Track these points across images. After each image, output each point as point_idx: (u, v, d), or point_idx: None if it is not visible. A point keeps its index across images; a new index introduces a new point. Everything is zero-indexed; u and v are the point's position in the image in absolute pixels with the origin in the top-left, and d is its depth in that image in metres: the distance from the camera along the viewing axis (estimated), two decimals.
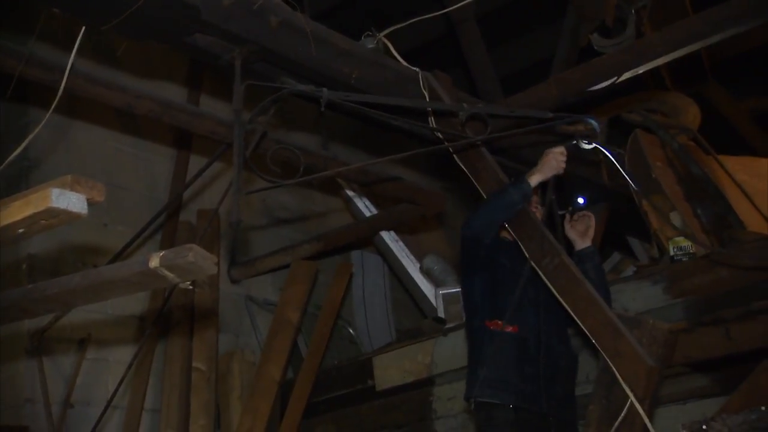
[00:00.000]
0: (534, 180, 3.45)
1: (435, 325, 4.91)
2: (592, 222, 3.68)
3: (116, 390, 4.53)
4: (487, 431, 3.39)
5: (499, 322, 3.43)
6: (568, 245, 3.70)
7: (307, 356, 5.31)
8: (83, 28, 2.86)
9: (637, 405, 3.04)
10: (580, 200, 3.78)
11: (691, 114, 5.43)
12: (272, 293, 5.95)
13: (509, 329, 3.42)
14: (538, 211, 3.63)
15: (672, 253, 4.21)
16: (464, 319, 3.79)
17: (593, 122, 3.49)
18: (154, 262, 2.09)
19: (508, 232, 3.64)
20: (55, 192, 1.98)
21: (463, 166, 3.78)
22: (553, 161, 3.44)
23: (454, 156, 3.81)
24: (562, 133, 3.88)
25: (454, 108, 3.58)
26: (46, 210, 1.98)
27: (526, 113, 3.68)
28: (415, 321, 5.95)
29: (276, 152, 3.35)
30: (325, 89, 3.21)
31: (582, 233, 3.64)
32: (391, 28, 3.94)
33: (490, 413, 3.37)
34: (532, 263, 3.45)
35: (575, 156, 4.80)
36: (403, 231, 5.92)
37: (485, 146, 3.81)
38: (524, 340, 3.42)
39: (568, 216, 3.70)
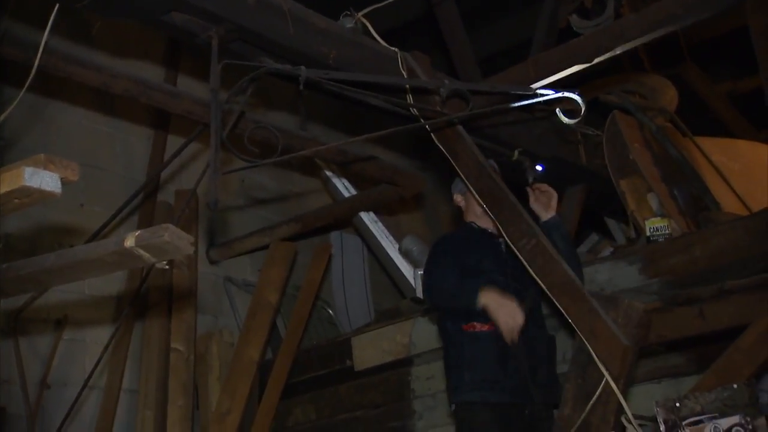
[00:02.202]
0: (485, 307, 3.36)
1: (413, 305, 4.92)
2: (554, 194, 3.69)
3: (93, 370, 4.52)
4: (467, 429, 3.41)
5: (475, 324, 3.42)
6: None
7: (285, 337, 5.31)
8: (56, 5, 2.81)
9: (612, 384, 3.08)
10: (539, 168, 3.80)
11: (669, 96, 5.47)
12: (251, 274, 5.95)
13: (485, 328, 3.41)
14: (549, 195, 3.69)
15: (648, 233, 4.24)
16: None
17: (577, 98, 3.45)
18: (130, 241, 2.08)
19: (479, 218, 3.68)
20: (28, 171, 1.96)
21: (442, 148, 3.78)
22: (510, 321, 3.33)
23: (433, 137, 3.81)
24: (545, 109, 3.87)
25: (434, 84, 3.55)
26: (20, 189, 1.96)
27: (508, 89, 3.63)
28: (393, 301, 5.97)
29: (254, 131, 3.33)
30: (303, 67, 3.18)
31: (545, 205, 3.66)
32: (370, 8, 3.91)
33: (470, 411, 3.39)
34: (510, 244, 3.47)
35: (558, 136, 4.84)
36: (382, 212, 5.93)
37: (464, 126, 3.82)
38: (502, 337, 3.38)
39: (530, 189, 3.71)
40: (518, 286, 3.52)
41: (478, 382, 3.38)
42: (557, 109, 3.52)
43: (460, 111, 3.87)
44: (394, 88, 3.72)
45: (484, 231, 3.68)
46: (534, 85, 3.68)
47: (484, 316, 3.38)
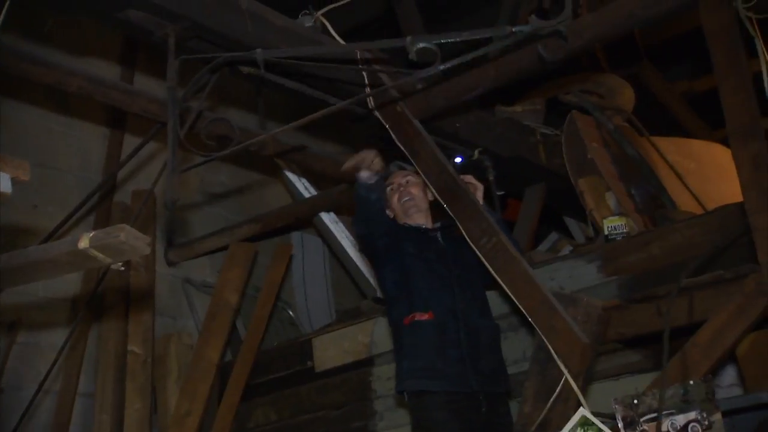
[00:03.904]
0: (360, 175, 3.49)
1: (374, 305, 4.91)
2: (480, 186, 3.70)
3: (48, 374, 4.45)
4: (420, 418, 3.41)
5: (415, 314, 3.44)
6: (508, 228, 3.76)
7: (245, 338, 5.28)
8: (7, 1, 2.75)
9: (572, 381, 3.10)
10: (458, 159, 3.83)
11: (626, 96, 5.52)
12: (210, 275, 5.89)
13: (425, 317, 3.42)
14: (473, 188, 3.66)
15: (607, 232, 4.27)
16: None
17: (559, 28, 3.30)
18: (84, 242, 2.04)
19: (410, 217, 3.70)
20: None
21: (401, 147, 3.78)
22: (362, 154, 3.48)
23: (393, 137, 3.80)
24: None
25: (401, 43, 3.17)
26: None
27: (482, 33, 3.23)
28: (355, 302, 5.95)
29: (211, 126, 3.30)
30: (259, 49, 3.15)
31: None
32: (329, 7, 3.90)
33: (421, 400, 3.38)
34: (470, 242, 3.48)
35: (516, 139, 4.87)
36: (342, 212, 5.90)
37: (424, 125, 3.81)
38: (442, 324, 3.41)
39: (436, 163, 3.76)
40: (460, 273, 3.55)
41: (417, 371, 3.38)
42: (539, 47, 3.44)
43: (421, 110, 3.88)
44: (355, 82, 3.70)
45: (417, 228, 3.69)
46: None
47: (424, 305, 3.42)
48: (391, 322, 3.67)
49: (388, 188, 3.78)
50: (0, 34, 2.86)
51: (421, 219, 3.72)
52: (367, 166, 3.44)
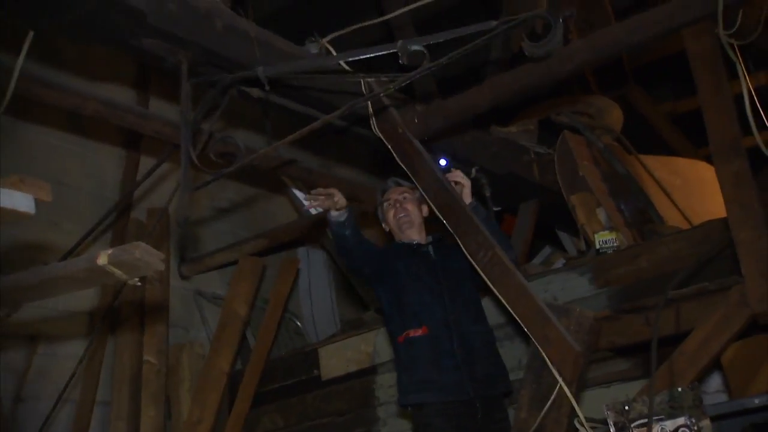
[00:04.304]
0: (330, 214, 3.43)
1: (376, 316, 4.92)
2: (467, 183, 3.68)
3: (67, 384, 4.44)
4: (419, 425, 3.39)
5: (409, 331, 3.43)
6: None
7: (254, 348, 5.27)
8: (30, 32, 2.78)
9: (565, 388, 3.10)
10: (443, 162, 3.81)
11: (615, 116, 5.55)
12: (221, 288, 5.89)
13: (418, 333, 3.41)
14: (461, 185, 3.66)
15: (598, 245, 4.28)
16: None
17: (545, 15, 3.27)
18: (102, 259, 2.05)
19: (404, 233, 3.68)
20: (1, 192, 1.93)
21: (402, 164, 3.80)
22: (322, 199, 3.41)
23: (395, 156, 3.82)
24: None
25: (392, 49, 3.13)
26: None
27: (468, 30, 3.23)
28: (358, 313, 5.95)
29: (218, 144, 3.31)
30: (261, 67, 3.16)
31: (460, 194, 3.67)
32: (334, 34, 3.92)
33: (421, 411, 3.37)
34: (468, 255, 3.49)
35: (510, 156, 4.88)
36: None
37: (423, 144, 3.83)
38: (435, 337, 3.39)
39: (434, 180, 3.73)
40: (449, 283, 3.53)
41: (415, 384, 3.37)
42: (524, 38, 3.43)
43: (419, 131, 3.91)
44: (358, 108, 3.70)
45: (409, 244, 3.67)
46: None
47: (417, 321, 3.42)
48: (388, 334, 3.69)
49: (385, 203, 3.77)
50: (21, 62, 2.88)
51: (415, 234, 3.70)
52: (332, 207, 3.39)
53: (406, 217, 3.71)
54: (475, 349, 3.43)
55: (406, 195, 3.76)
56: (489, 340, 3.55)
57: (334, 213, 3.39)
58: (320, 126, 3.16)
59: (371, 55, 3.24)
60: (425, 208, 3.79)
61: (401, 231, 3.71)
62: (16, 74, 2.84)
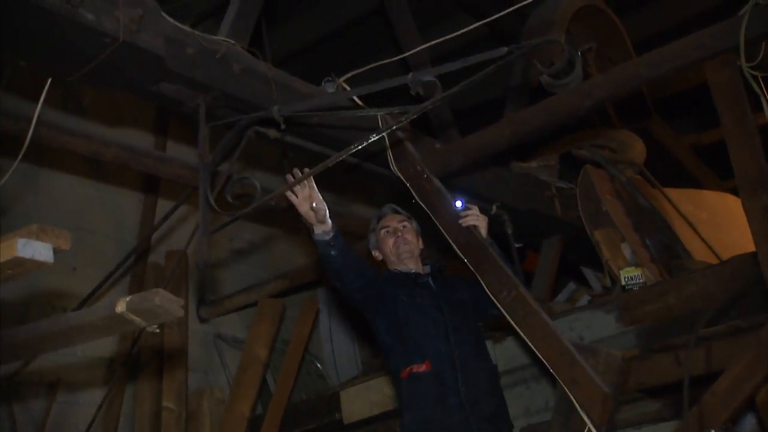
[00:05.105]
0: (314, 228, 3.20)
1: None
2: (482, 224, 3.62)
3: (87, 431, 4.43)
4: None
5: (413, 366, 3.31)
6: (527, 279, 3.71)
7: (275, 391, 5.25)
8: (50, 79, 2.82)
9: (594, 431, 3.05)
10: (459, 203, 3.75)
11: (637, 149, 5.52)
12: (240, 331, 5.89)
13: (422, 369, 3.30)
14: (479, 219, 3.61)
15: (623, 282, 4.24)
16: None
17: (556, 40, 3.25)
18: (121, 306, 2.06)
19: (402, 262, 3.57)
20: (21, 242, 1.94)
21: (421, 203, 3.81)
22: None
23: (413, 193, 3.83)
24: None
25: (401, 81, 3.09)
26: (13, 260, 1.94)
27: (479, 58, 3.15)
28: (379, 353, 5.91)
29: (234, 186, 3.32)
30: (276, 106, 3.16)
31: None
32: (351, 74, 3.96)
33: None
34: (491, 295, 3.46)
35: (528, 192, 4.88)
36: None
37: (443, 181, 3.84)
38: (440, 374, 3.28)
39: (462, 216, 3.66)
40: (452, 316, 3.43)
41: (420, 424, 3.26)
42: (536, 62, 3.43)
43: (437, 167, 3.92)
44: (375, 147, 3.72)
45: (408, 274, 3.56)
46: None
47: (420, 356, 3.31)
48: (389, 368, 3.52)
49: (382, 231, 3.65)
50: (39, 109, 2.92)
51: (412, 264, 3.59)
52: (315, 219, 3.15)
53: (406, 246, 3.60)
54: (480, 386, 3.32)
55: (405, 224, 3.65)
56: (493, 377, 3.45)
57: (317, 230, 3.17)
58: (334, 163, 3.10)
59: (382, 87, 3.18)
60: (421, 241, 3.71)
61: (399, 260, 3.59)
62: (34, 121, 2.88)
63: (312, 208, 3.10)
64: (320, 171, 3.04)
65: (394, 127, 3.22)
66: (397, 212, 3.71)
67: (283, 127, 3.20)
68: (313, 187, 3.12)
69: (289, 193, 3.10)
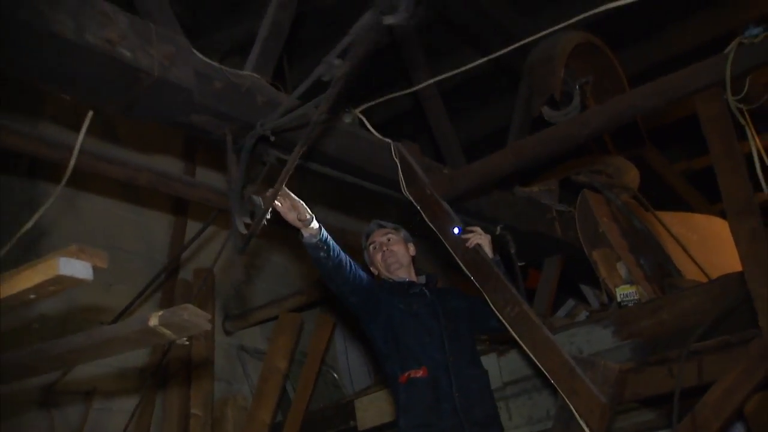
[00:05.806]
0: (303, 232, 3.12)
1: None
2: (487, 237, 3.62)
3: None
4: None
5: (410, 371, 3.27)
6: (529, 295, 3.71)
7: (294, 400, 5.24)
8: (90, 111, 2.86)
9: None
10: (456, 230, 3.75)
11: (632, 175, 5.52)
12: (262, 343, 5.89)
13: (419, 374, 3.25)
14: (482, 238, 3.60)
15: (619, 299, 4.22)
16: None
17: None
18: (153, 320, 2.08)
19: (392, 273, 3.55)
20: (62, 261, 1.97)
21: (429, 223, 3.82)
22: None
23: (423, 215, 3.85)
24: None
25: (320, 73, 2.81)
26: (55, 278, 1.96)
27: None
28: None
29: (246, 206, 3.29)
30: (259, 121, 3.07)
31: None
32: (366, 105, 4.00)
33: None
34: (495, 310, 3.46)
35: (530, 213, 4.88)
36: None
37: (450, 205, 3.85)
38: (435, 380, 3.24)
39: (463, 237, 3.65)
40: (447, 324, 3.39)
41: (414, 428, 3.20)
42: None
43: (445, 190, 3.93)
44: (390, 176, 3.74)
45: (402, 283, 3.52)
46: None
47: (416, 362, 3.27)
48: (384, 374, 3.48)
49: (371, 246, 3.63)
50: (81, 139, 2.96)
51: (404, 273, 3.55)
52: (302, 225, 3.07)
53: (392, 257, 3.56)
54: (473, 392, 3.28)
55: (390, 236, 3.62)
56: (484, 384, 3.40)
57: (305, 233, 3.09)
58: (292, 169, 2.84)
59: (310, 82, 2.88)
60: (412, 247, 3.67)
61: (389, 271, 3.56)
62: (76, 150, 2.92)
63: (297, 217, 3.06)
64: (284, 179, 2.86)
65: (314, 119, 3.05)
66: (381, 226, 3.68)
67: (271, 138, 3.10)
68: (290, 195, 3.05)
69: (276, 206, 3.01)
